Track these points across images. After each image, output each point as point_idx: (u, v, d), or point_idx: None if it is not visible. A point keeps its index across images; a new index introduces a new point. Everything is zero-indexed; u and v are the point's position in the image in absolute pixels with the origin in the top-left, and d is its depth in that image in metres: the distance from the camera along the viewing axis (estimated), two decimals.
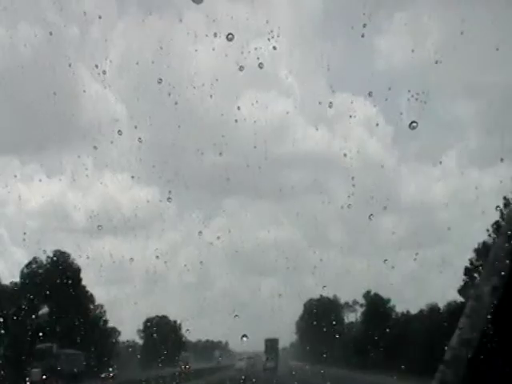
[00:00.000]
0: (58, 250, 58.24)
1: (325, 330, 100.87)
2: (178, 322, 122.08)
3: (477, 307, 1.96)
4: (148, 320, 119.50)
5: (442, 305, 63.35)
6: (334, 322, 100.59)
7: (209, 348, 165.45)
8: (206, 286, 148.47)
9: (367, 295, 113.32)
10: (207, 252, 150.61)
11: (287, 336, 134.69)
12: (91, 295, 62.31)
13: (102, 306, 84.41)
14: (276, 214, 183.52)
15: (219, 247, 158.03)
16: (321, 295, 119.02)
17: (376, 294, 70.73)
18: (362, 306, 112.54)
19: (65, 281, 53.94)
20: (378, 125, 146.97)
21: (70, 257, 59.05)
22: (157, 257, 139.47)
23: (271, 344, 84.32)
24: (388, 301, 67.70)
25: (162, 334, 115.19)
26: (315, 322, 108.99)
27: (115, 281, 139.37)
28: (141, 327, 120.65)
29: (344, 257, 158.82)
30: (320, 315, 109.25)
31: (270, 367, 68.58)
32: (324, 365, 73.34)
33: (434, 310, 65.15)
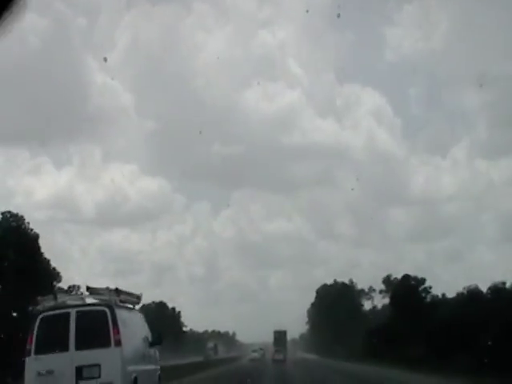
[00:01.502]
0: (9, 212, 46.44)
1: (340, 317, 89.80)
2: (177, 309, 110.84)
3: None
4: (142, 308, 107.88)
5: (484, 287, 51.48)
6: (351, 309, 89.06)
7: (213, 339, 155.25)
8: (214, 277, 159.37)
9: (387, 280, 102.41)
10: (215, 243, 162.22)
11: (297, 327, 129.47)
12: (58, 273, 50.10)
13: (77, 287, 72.25)
14: (285, 205, 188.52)
15: (228, 239, 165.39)
16: (335, 280, 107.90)
17: (406, 276, 58.63)
18: (381, 292, 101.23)
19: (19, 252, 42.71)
20: (385, 115, 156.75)
21: (25, 221, 47.21)
22: (164, 248, 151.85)
23: (280, 336, 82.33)
24: (423, 281, 55.62)
25: (157, 322, 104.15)
26: (329, 310, 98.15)
27: (122, 271, 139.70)
28: None
29: (353, 247, 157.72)
30: (334, 301, 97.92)
31: (279, 359, 66.42)
32: (341, 358, 62.20)
33: (474, 292, 53.20)
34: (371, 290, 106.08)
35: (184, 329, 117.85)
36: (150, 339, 15.18)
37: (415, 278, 56.49)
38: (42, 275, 42.91)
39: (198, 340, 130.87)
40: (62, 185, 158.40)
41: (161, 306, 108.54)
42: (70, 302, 13.37)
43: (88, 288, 14.01)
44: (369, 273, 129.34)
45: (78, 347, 12.38)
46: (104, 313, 12.48)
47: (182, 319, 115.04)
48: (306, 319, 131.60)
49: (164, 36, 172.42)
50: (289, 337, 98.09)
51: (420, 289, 55.89)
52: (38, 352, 12.45)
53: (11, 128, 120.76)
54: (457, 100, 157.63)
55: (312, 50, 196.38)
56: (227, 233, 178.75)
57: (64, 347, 12.37)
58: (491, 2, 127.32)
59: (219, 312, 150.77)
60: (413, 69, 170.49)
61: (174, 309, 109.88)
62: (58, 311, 12.84)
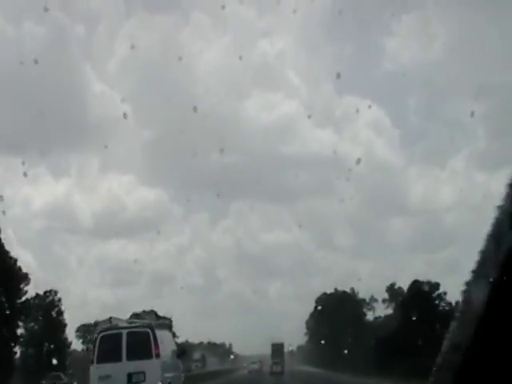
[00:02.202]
0: None
1: (341, 327, 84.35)
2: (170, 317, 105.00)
3: (466, 310, 2.07)
4: (132, 316, 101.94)
5: None
6: (353, 319, 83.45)
7: (211, 350, 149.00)
8: (212, 288, 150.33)
9: (391, 289, 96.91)
10: (213, 253, 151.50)
11: (294, 338, 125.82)
12: (19, 268, 45.06)
13: (55, 292, 67.80)
14: (283, 216, 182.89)
15: (225, 249, 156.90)
16: (335, 289, 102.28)
17: (416, 281, 53.20)
18: (384, 301, 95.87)
19: None
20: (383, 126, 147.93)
21: None
22: (162, 258, 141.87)
23: (277, 348, 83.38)
24: (437, 286, 50.17)
25: None
26: (329, 320, 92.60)
27: (119, 281, 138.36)
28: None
29: (352, 258, 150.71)
30: (335, 311, 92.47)
31: (277, 371, 67.91)
32: (348, 371, 56.68)
33: None
34: (372, 299, 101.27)
35: (176, 339, 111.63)
36: (176, 352, 18.63)
37: (429, 283, 51.13)
38: (7, 275, 38.74)
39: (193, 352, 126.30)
40: (60, 194, 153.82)
41: (150, 315, 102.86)
42: (121, 325, 16.92)
43: (133, 313, 19.60)
44: (368, 283, 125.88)
45: (129, 358, 16.09)
46: (147, 333, 16.19)
47: (174, 329, 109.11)
48: (305, 330, 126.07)
49: (163, 45, 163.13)
50: (286, 349, 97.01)
51: (434, 295, 50.47)
52: (99, 361, 16.11)
53: (8, 137, 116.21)
54: (455, 111, 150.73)
55: (311, 60, 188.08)
56: (225, 243, 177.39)
57: (118, 358, 16.04)
58: (490, 12, 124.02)
59: (216, 323, 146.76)
60: (411, 79, 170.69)
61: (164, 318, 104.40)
62: (113, 331, 16.49)
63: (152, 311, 17.45)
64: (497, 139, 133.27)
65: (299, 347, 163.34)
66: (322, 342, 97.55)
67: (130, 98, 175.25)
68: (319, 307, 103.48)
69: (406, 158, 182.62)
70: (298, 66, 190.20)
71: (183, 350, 19.81)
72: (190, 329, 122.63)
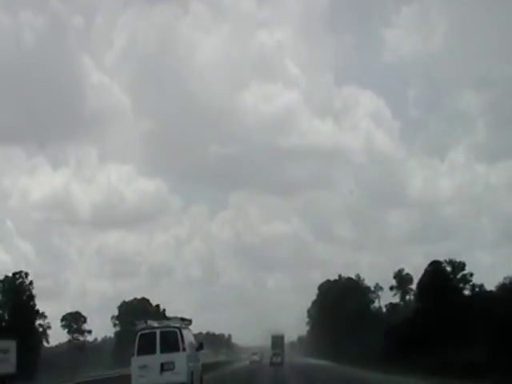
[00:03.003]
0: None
1: (347, 316, 78.01)
2: (162, 307, 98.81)
3: None
4: (122, 305, 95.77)
5: None
6: (359, 307, 77.13)
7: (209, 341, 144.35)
8: (211, 279, 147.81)
9: (399, 275, 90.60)
10: (212, 245, 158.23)
11: (295, 329, 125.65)
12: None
13: (25, 274, 62.23)
14: (282, 207, 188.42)
15: (225, 240, 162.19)
16: (339, 275, 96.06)
17: (436, 262, 46.57)
18: (392, 288, 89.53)
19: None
20: (383, 117, 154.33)
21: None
22: (161, 250, 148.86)
23: (277, 340, 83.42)
24: (462, 266, 43.57)
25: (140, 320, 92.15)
26: (333, 308, 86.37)
27: (119, 273, 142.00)
28: (116, 313, 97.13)
29: (351, 249, 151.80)
30: (339, 299, 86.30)
31: (277, 362, 67.43)
32: (358, 364, 50.31)
33: None
34: (377, 287, 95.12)
35: None
36: (196, 346, 23.23)
37: (451, 263, 44.56)
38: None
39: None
40: (59, 186, 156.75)
41: (143, 302, 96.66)
42: (155, 325, 21.15)
43: (165, 317, 28.09)
44: (370, 273, 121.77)
45: (161, 352, 20.37)
46: (175, 332, 20.65)
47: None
48: (306, 320, 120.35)
49: (161, 36, 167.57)
50: (286, 340, 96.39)
51: (458, 277, 43.87)
52: (138, 354, 20.44)
53: (7, 128, 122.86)
54: (455, 102, 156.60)
55: (310, 51, 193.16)
56: (224, 234, 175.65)
57: (153, 351, 20.38)
58: (490, 3, 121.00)
59: (216, 314, 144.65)
60: (411, 71, 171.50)
61: (158, 306, 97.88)
62: (149, 331, 20.69)
63: (177, 316, 22.40)
64: (497, 131, 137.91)
65: (300, 338, 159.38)
66: (325, 332, 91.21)
67: (128, 89, 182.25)
68: (322, 295, 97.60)
69: (406, 149, 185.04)
70: (298, 56, 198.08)
71: (201, 345, 24.02)
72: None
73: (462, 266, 44.02)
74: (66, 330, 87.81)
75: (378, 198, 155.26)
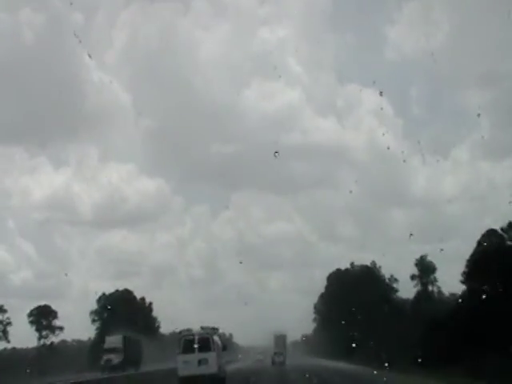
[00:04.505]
0: None
1: (364, 309, 65.50)
2: (148, 300, 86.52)
3: None
4: (101, 298, 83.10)
5: None
6: (380, 298, 64.50)
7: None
8: (213, 279, 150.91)
9: (422, 262, 78.66)
10: (214, 244, 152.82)
11: (298, 328, 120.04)
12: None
13: None
14: (285, 206, 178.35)
15: (227, 240, 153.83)
16: (352, 263, 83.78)
17: (492, 230, 34.00)
18: (414, 278, 77.31)
19: None
20: (385, 115, 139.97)
21: None
22: (163, 250, 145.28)
23: (280, 340, 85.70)
24: None
25: (122, 316, 79.61)
26: (347, 300, 74.04)
27: (120, 273, 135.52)
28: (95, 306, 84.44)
29: (354, 249, 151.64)
30: (354, 288, 74.15)
31: (279, 361, 68.28)
32: (394, 368, 37.83)
33: None
34: (392, 279, 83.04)
35: (158, 326, 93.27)
36: (222, 347, 31.29)
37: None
38: None
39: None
40: (60, 185, 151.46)
41: (126, 294, 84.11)
42: (194, 332, 28.96)
43: (202, 327, 29.68)
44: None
45: (199, 351, 28.15)
46: (208, 338, 28.65)
47: (162, 317, 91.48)
48: (312, 316, 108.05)
49: (162, 34, 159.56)
50: (289, 339, 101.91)
51: None
52: (182, 353, 28.39)
53: (7, 127, 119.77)
54: (459, 100, 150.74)
55: (312, 48, 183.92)
56: (227, 233, 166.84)
57: (193, 351, 28.13)
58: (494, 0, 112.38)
59: (217, 314, 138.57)
60: (414, 68, 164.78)
61: (143, 299, 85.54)
62: (190, 337, 28.77)
63: (209, 326, 28.90)
64: (501, 128, 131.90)
65: (304, 337, 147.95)
66: (337, 328, 78.65)
67: (129, 87, 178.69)
68: (332, 286, 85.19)
69: (409, 147, 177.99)
70: (300, 54, 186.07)
71: (225, 346, 32.96)
72: (189, 318, 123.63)
73: None
74: (34, 328, 75.31)
75: (382, 197, 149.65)
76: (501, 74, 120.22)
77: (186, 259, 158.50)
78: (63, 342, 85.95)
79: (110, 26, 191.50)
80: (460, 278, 38.97)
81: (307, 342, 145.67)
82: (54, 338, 77.07)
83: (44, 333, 75.70)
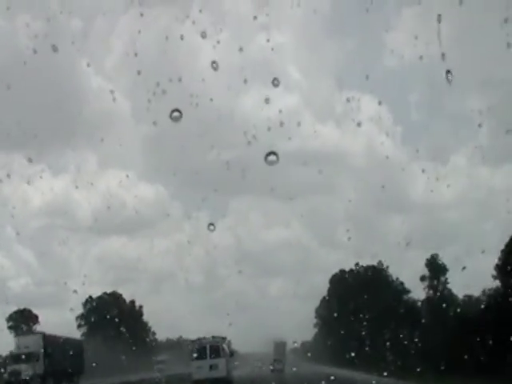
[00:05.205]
0: None
1: (373, 313, 60.00)
2: (138, 303, 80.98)
3: None
4: (88, 301, 77.51)
5: None
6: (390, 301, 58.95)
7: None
8: (212, 286, 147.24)
9: (433, 261, 73.39)
10: (213, 251, 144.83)
11: (298, 335, 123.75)
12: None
13: None
14: (284, 213, 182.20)
15: (225, 246, 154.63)
16: (357, 264, 78.37)
17: None
18: (423, 279, 71.98)
19: None
20: (385, 123, 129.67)
21: None
22: (162, 256, 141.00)
23: (279, 347, 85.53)
24: None
25: (111, 320, 74.11)
26: (352, 303, 68.68)
27: (119, 279, 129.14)
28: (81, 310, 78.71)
29: (353, 254, 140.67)
30: (357, 291, 68.78)
31: (278, 368, 68.34)
32: (425, 378, 32.39)
33: None
34: (397, 282, 77.72)
35: (150, 330, 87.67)
36: (229, 354, 35.65)
37: None
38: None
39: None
40: (59, 192, 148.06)
41: (114, 297, 78.52)
42: (205, 341, 33.49)
43: (213, 336, 33.96)
44: None
45: (210, 358, 32.25)
46: (218, 346, 32.99)
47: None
48: (314, 321, 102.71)
49: (161, 40, 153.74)
50: (289, 346, 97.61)
51: None
52: (196, 359, 32.45)
53: (5, 134, 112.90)
54: (458, 106, 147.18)
55: (311, 55, 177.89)
56: (225, 240, 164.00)
57: (205, 357, 32.26)
58: (494, 5, 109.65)
59: (216, 321, 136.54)
60: (413, 75, 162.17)
61: (133, 302, 79.95)
62: (202, 345, 33.25)
63: (219, 336, 33.50)
64: (500, 134, 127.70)
65: (304, 344, 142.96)
66: (342, 333, 73.03)
67: (128, 94, 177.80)
68: (335, 289, 79.61)
69: (408, 153, 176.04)
70: (298, 60, 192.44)
71: (232, 353, 37.51)
72: (188, 325, 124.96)
73: None
74: (13, 335, 69.32)
75: (380, 203, 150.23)
76: (500, 80, 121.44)
77: (185, 265, 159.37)
78: None
79: (109, 33, 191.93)
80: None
81: (307, 348, 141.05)
82: None
83: None
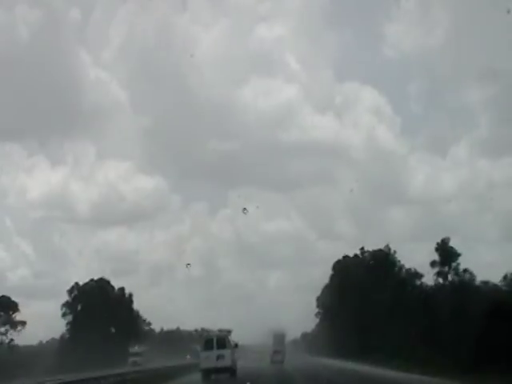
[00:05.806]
0: None
1: (380, 300, 54.81)
2: (127, 291, 75.70)
3: None
4: (73, 288, 72.32)
5: None
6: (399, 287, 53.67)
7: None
8: (212, 277, 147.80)
9: (443, 246, 68.26)
10: (213, 243, 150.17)
11: (298, 326, 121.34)
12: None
13: None
14: (284, 204, 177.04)
15: (225, 238, 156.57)
16: (362, 248, 73.00)
17: None
18: (434, 264, 66.75)
19: None
20: (384, 113, 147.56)
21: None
22: (161, 248, 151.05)
23: (279, 338, 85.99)
24: None
25: (98, 309, 68.97)
26: (354, 290, 63.52)
27: (118, 271, 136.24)
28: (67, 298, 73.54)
29: (353, 247, 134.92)
30: (363, 276, 63.70)
31: (278, 360, 66.07)
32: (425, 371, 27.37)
33: None
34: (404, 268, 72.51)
35: (140, 318, 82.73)
36: (234, 345, 37.53)
37: None
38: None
39: (181, 340, 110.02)
40: (57, 183, 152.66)
41: (102, 284, 73.34)
42: (212, 334, 37.00)
43: (219, 329, 37.93)
44: None
45: (217, 348, 34.85)
46: (224, 338, 35.79)
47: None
48: (314, 312, 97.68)
49: (160, 31, 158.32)
50: (288, 338, 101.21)
51: None
52: (204, 350, 35.61)
53: (4, 125, 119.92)
54: (458, 97, 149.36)
55: (310, 45, 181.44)
56: (225, 231, 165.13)
57: (212, 348, 34.96)
58: None
59: (216, 312, 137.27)
60: (413, 66, 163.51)
61: (123, 289, 74.76)
62: (209, 337, 36.27)
63: (225, 329, 37.30)
64: (500, 126, 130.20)
65: (304, 335, 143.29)
66: (346, 323, 67.81)
67: (126, 85, 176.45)
68: (338, 276, 74.37)
69: (408, 145, 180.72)
70: (298, 51, 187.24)
71: (236, 345, 38.57)
72: (186, 317, 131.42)
73: None
74: None
75: (381, 195, 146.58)
76: (500, 72, 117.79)
77: (184, 257, 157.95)
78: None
79: (107, 23, 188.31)
80: None
81: (307, 339, 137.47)
82: (16, 335, 65.93)
83: (3, 328, 64.88)
